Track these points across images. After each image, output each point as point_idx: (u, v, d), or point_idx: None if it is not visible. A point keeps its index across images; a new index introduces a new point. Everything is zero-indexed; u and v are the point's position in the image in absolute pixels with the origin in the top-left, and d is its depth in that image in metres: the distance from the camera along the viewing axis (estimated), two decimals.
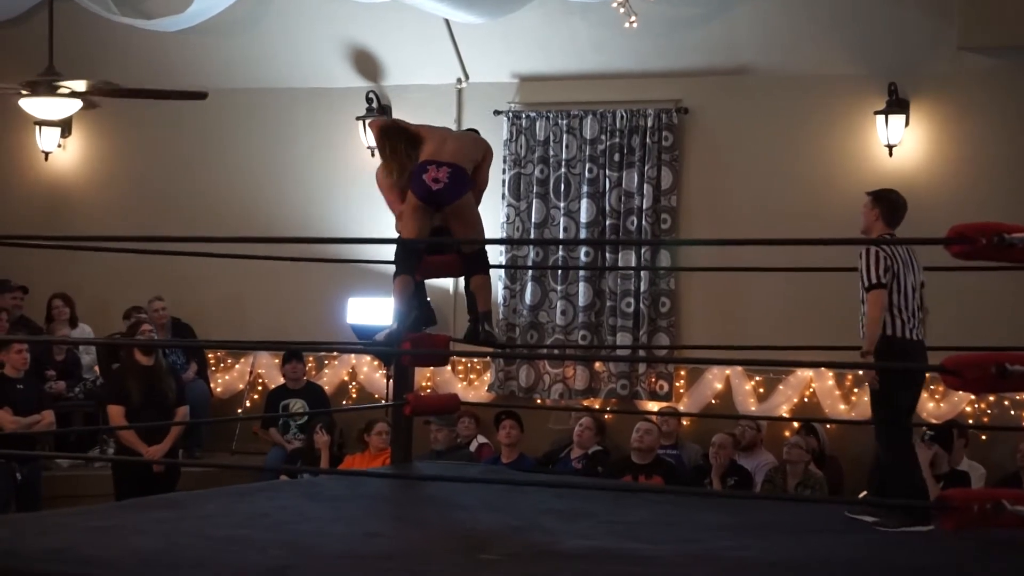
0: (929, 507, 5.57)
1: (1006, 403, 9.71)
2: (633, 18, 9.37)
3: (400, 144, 6.61)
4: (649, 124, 10.51)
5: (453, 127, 10.89)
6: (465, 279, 6.90)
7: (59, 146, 12.18)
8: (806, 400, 10.24)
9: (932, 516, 5.61)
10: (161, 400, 8.87)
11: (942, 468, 8.41)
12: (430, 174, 6.45)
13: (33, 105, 9.53)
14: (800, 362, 9.65)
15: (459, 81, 11.11)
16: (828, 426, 9.80)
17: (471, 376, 11.13)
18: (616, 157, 10.58)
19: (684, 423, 10.30)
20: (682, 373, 10.59)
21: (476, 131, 7.27)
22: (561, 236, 10.69)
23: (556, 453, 9.92)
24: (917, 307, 6.05)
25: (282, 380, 10.98)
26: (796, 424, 9.74)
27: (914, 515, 5.68)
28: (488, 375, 10.98)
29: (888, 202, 6.18)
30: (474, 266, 6.81)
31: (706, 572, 4.74)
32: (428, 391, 10.63)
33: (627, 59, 10.52)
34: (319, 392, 10.91)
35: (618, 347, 10.47)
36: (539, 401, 10.78)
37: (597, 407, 10.50)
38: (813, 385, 10.23)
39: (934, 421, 9.49)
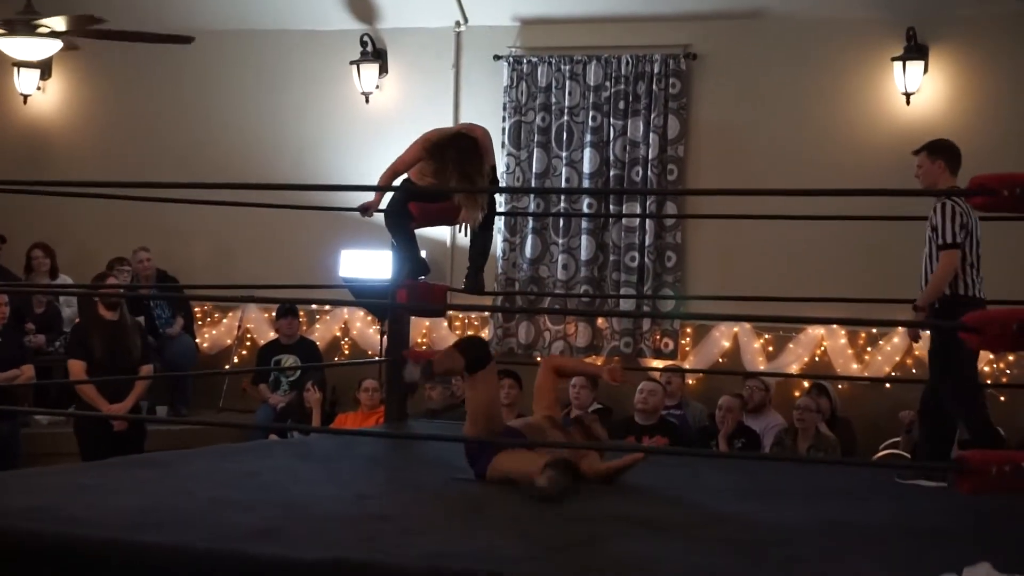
0: (946, 468, 5.39)
1: None
2: None
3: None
4: (656, 70, 10.14)
5: (451, 72, 10.65)
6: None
7: (38, 88, 11.87)
8: (817, 359, 9.90)
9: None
10: (125, 357, 8.46)
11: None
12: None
13: (11, 46, 9.33)
14: (811, 318, 9.31)
15: (458, 24, 10.74)
16: (840, 385, 9.49)
17: (469, 332, 10.78)
18: (621, 105, 10.21)
19: (689, 382, 9.97)
20: (688, 330, 10.27)
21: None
22: (563, 187, 10.33)
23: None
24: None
25: (272, 335, 10.67)
26: (807, 383, 9.42)
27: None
28: (486, 331, 10.64)
29: (949, 152, 6.01)
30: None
31: (716, 534, 4.55)
32: (424, 348, 10.29)
33: (633, 2, 10.17)
34: (312, 348, 10.56)
35: (622, 295, 10.14)
36: (539, 359, 10.43)
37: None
38: (825, 343, 9.89)
39: None
